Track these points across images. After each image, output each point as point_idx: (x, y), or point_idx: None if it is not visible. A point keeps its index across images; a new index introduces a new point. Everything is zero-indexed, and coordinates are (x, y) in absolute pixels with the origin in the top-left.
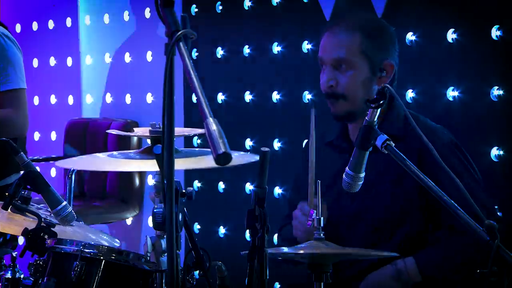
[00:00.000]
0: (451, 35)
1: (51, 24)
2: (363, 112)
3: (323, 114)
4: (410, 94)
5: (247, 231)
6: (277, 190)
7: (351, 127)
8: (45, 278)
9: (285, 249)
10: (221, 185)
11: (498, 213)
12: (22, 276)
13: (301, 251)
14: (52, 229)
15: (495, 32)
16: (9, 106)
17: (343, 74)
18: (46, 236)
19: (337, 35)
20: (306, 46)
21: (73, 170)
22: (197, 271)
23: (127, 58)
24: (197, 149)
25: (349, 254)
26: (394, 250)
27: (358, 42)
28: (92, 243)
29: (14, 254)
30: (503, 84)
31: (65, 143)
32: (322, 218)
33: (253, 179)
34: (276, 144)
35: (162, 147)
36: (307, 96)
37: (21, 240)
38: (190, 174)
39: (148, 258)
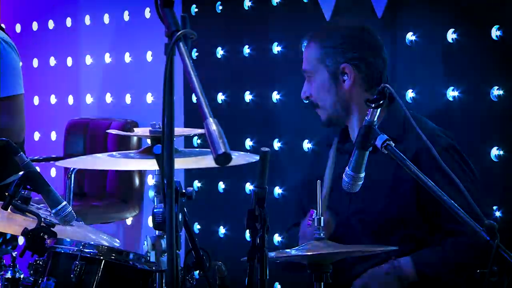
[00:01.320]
0: (451, 35)
1: (51, 24)
2: (342, 117)
3: None
4: (410, 94)
5: (247, 231)
6: (277, 190)
7: (351, 129)
8: (45, 278)
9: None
10: (221, 185)
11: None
12: (22, 276)
13: (300, 253)
14: (52, 229)
15: (495, 32)
16: (6, 113)
17: (311, 85)
18: (46, 236)
19: (305, 49)
20: None
21: (73, 170)
22: (197, 271)
23: (127, 58)
24: (197, 149)
25: (348, 252)
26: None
27: (315, 52)
28: (92, 243)
29: (14, 254)
30: (503, 84)
31: None
32: (322, 218)
33: (253, 179)
34: (276, 144)
35: (162, 147)
36: None
37: (21, 240)
38: (190, 174)
39: (148, 258)
